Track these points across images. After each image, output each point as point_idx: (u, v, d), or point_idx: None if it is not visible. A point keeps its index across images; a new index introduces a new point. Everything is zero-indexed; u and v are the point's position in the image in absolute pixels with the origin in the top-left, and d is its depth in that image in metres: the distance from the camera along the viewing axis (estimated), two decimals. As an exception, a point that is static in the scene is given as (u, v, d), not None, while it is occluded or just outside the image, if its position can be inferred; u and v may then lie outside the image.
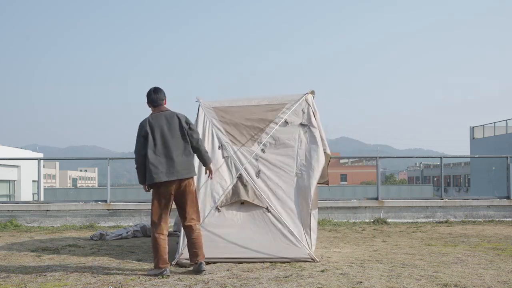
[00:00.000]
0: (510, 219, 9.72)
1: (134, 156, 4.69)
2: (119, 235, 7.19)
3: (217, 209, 5.25)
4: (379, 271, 4.62)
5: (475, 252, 5.79)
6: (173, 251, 5.25)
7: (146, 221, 9.15)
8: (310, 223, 5.28)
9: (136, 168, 4.62)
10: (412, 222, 9.33)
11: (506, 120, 29.68)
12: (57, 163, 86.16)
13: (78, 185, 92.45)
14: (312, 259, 5.01)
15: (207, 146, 5.58)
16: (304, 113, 5.90)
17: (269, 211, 5.24)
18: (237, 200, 5.26)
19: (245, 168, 5.38)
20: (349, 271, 4.62)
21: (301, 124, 5.80)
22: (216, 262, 4.95)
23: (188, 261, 4.78)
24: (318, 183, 5.57)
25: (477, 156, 29.32)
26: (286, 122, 5.80)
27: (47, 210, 9.29)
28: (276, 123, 5.75)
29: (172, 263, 4.91)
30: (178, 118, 4.65)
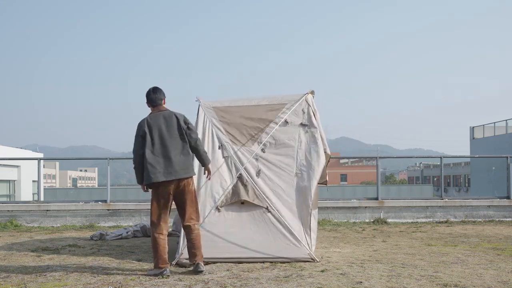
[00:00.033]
0: (510, 219, 9.72)
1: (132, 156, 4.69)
2: (119, 235, 7.19)
3: (217, 209, 5.25)
4: (379, 271, 4.61)
5: (475, 252, 5.78)
6: (173, 251, 5.25)
7: (146, 221, 9.14)
8: (310, 223, 5.28)
9: (134, 168, 4.62)
10: (412, 222, 9.33)
11: (506, 120, 29.67)
12: (57, 163, 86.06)
13: (78, 185, 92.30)
14: (312, 259, 5.01)
15: (207, 146, 5.57)
16: (304, 113, 5.90)
17: (269, 211, 5.23)
18: (237, 200, 5.26)
19: (245, 168, 5.38)
20: (349, 271, 4.62)
21: (301, 124, 5.81)
22: (216, 262, 4.95)
23: (188, 261, 4.77)
24: (317, 183, 5.56)
25: (477, 156, 29.31)
26: (286, 122, 5.79)
27: (47, 210, 9.29)
28: (276, 123, 5.75)
29: (172, 263, 4.91)
30: (177, 117, 4.64)
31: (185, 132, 4.62)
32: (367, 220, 9.39)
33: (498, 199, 10.00)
